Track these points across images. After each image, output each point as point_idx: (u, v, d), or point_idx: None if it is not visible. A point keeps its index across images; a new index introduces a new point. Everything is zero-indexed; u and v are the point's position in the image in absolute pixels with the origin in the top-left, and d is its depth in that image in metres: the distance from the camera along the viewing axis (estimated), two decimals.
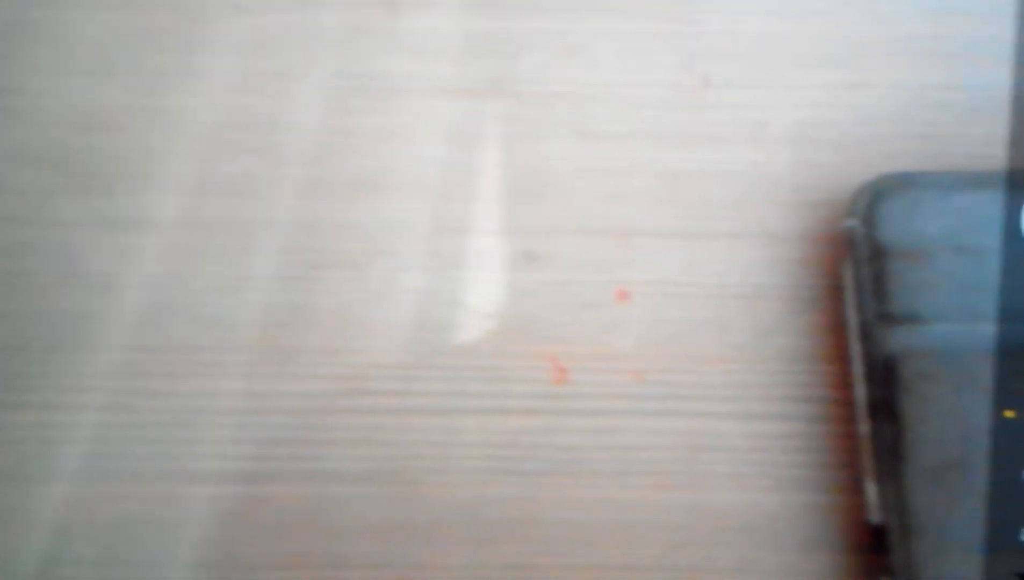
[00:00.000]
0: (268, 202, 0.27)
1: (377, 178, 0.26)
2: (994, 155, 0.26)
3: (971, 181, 0.26)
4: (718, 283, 0.28)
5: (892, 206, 0.26)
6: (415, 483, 0.27)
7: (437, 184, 0.27)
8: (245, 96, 0.27)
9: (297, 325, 0.28)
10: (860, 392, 0.26)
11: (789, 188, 0.27)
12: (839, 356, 0.27)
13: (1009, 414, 0.26)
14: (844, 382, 0.27)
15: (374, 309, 0.27)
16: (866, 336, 0.26)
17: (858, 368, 0.26)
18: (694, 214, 0.27)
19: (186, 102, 0.27)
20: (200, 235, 0.28)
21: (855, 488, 0.27)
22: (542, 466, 0.27)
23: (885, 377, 0.26)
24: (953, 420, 0.26)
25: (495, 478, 0.27)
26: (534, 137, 0.27)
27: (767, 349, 0.28)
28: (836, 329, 0.28)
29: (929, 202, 0.26)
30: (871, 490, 0.26)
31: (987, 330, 0.26)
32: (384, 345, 0.27)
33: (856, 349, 0.26)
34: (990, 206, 0.26)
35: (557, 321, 0.28)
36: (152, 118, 0.27)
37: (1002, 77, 0.26)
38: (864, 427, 0.26)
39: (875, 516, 0.26)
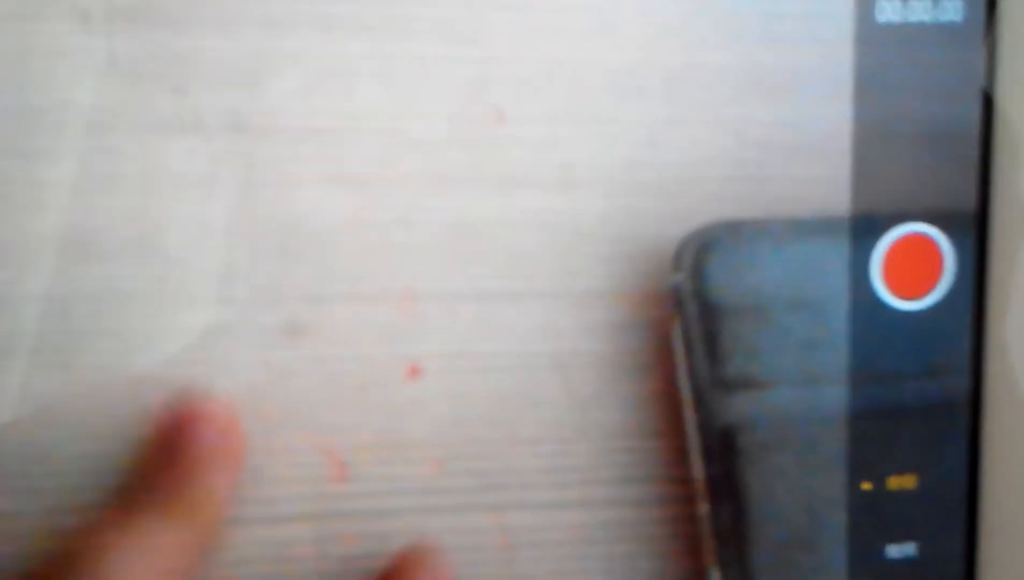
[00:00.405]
0: None
1: (83, 239, 0.20)
2: (826, 198, 0.22)
3: (808, 229, 0.24)
4: (525, 351, 0.24)
5: (721, 258, 0.23)
6: None
7: (166, 244, 0.21)
8: None
9: None
10: (697, 468, 0.24)
11: (602, 239, 0.23)
12: (671, 429, 0.24)
13: (866, 486, 0.25)
14: (678, 458, 0.24)
15: (90, 405, 0.22)
16: (700, 404, 0.24)
17: (693, 441, 0.24)
18: (491, 272, 0.23)
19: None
20: None
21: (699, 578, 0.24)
22: None
23: (723, 449, 0.24)
24: (801, 495, 0.24)
25: None
26: (285, 183, 0.21)
27: (587, 426, 0.24)
28: (667, 398, 0.24)
29: (762, 253, 0.23)
30: (715, 577, 0.24)
31: (835, 393, 0.24)
32: (109, 450, 0.21)
33: (691, 419, 0.24)
34: (832, 256, 0.24)
35: (332, 406, 0.24)
36: None
37: (834, 111, 0.22)
38: (703, 507, 0.24)
39: None
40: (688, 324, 0.23)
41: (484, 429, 0.24)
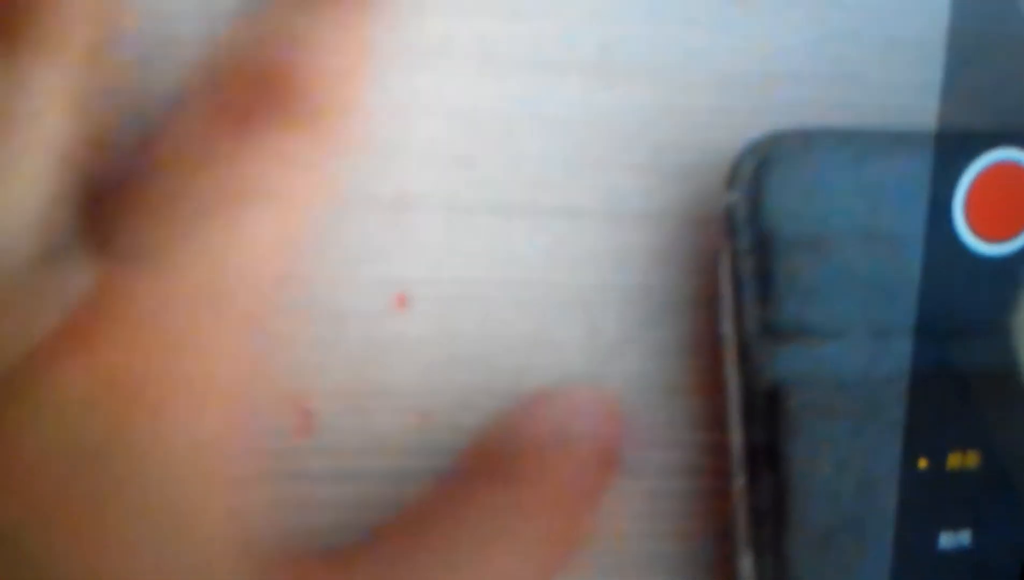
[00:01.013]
0: None
1: None
2: (917, 108, 0.18)
3: (891, 143, 0.20)
4: (537, 281, 0.20)
5: (786, 176, 0.19)
6: None
7: None
8: None
9: None
10: (735, 433, 0.20)
11: (642, 145, 0.19)
12: (706, 386, 0.20)
13: (923, 464, 0.21)
14: (713, 422, 0.20)
15: None
16: (746, 355, 0.20)
17: (734, 399, 0.20)
18: (499, 178, 0.19)
19: None
20: None
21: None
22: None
23: (769, 411, 0.20)
24: (851, 471, 0.21)
25: None
26: None
27: (608, 376, 0.20)
28: (705, 347, 0.20)
29: (835, 173, 0.19)
30: (745, 563, 0.20)
31: (902, 349, 0.20)
32: None
33: (732, 373, 0.20)
34: (914, 181, 0.20)
35: (298, 343, 0.19)
36: None
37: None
38: (739, 479, 0.20)
39: None
40: (739, 256, 0.19)
41: (481, 375, 0.19)
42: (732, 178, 0.19)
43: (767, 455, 0.20)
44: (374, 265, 0.19)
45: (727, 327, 0.20)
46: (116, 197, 0.15)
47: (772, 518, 0.20)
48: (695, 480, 0.21)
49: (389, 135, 0.18)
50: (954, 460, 0.21)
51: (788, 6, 0.19)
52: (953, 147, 0.20)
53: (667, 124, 0.19)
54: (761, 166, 0.19)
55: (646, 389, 0.20)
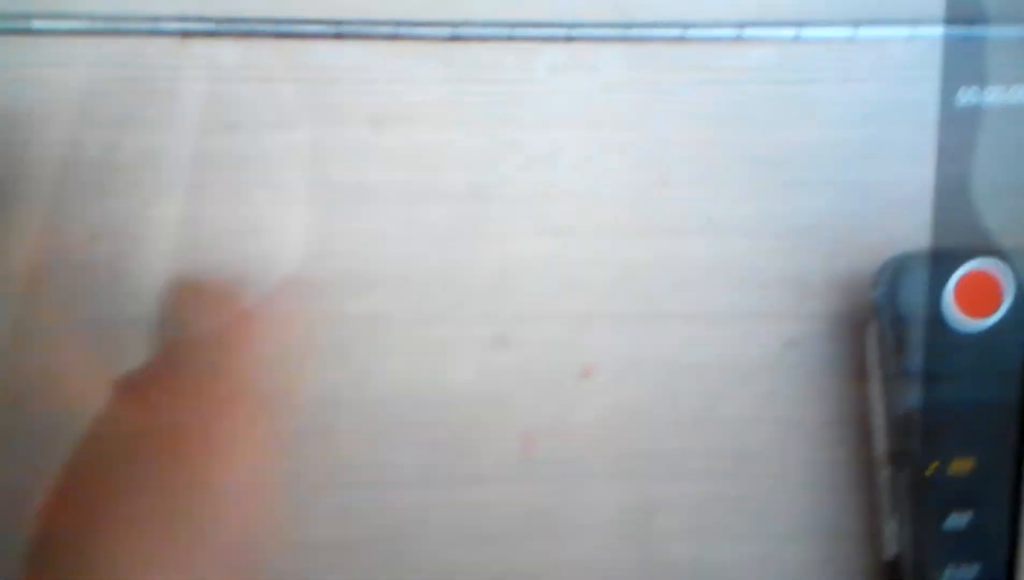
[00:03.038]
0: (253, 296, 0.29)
1: (362, 276, 0.29)
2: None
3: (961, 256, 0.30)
4: (673, 360, 0.31)
5: (910, 279, 0.30)
6: (395, 552, 0.30)
7: (418, 280, 0.29)
8: (238, 205, 0.28)
9: (282, 409, 0.30)
10: (880, 442, 0.30)
11: (739, 272, 0.30)
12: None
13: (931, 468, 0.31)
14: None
15: (357, 392, 0.30)
16: (888, 392, 0.30)
17: (879, 421, 0.31)
18: (648, 296, 0.30)
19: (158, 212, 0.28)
20: None
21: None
22: (514, 530, 0.30)
23: (903, 429, 0.30)
24: (961, 467, 0.31)
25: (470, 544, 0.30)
26: (505, 234, 0.29)
27: (711, 416, 0.31)
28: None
29: (932, 278, 0.30)
30: (890, 526, 0.30)
31: (993, 388, 0.30)
32: (364, 425, 0.30)
33: (877, 404, 0.30)
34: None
35: (526, 398, 0.31)
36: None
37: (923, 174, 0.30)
38: (884, 472, 0.30)
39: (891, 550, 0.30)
40: (882, 329, 0.30)
41: (644, 416, 0.31)
42: (876, 280, 0.30)
43: (903, 456, 0.31)
44: (571, 354, 0.31)
45: (874, 375, 0.30)
46: None
47: (909, 496, 0.31)
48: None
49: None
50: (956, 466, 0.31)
51: (825, 184, 0.31)
52: (946, 256, 0.30)
53: (750, 259, 0.31)
54: (895, 272, 0.30)
55: (740, 423, 0.32)
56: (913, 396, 0.30)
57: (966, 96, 0.29)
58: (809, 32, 0.29)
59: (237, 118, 0.27)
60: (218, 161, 0.28)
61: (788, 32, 0.29)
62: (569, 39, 0.28)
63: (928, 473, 0.30)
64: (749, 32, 0.29)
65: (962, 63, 0.29)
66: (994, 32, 0.29)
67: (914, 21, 0.29)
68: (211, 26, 0.27)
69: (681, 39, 0.29)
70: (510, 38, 0.28)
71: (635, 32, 0.28)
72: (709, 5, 0.29)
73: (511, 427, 0.30)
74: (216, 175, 0.28)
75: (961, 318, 0.30)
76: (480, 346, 0.30)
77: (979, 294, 0.30)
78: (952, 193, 0.30)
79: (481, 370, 0.30)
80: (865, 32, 0.29)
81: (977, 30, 0.29)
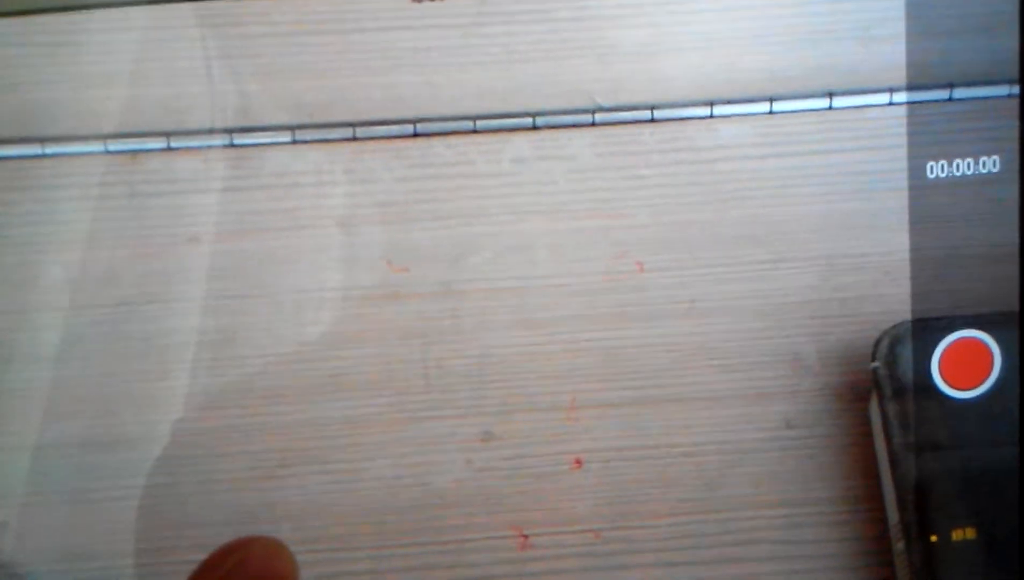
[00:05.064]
0: (235, 408, 0.29)
1: (341, 377, 0.28)
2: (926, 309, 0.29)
3: (958, 323, 0.29)
4: (662, 444, 0.30)
5: (908, 349, 0.29)
6: None
7: (398, 380, 0.29)
8: (211, 313, 0.28)
9: (268, 520, 0.29)
10: (892, 513, 0.30)
11: (727, 353, 0.29)
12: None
13: (934, 538, 0.30)
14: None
15: (343, 497, 0.29)
16: (894, 464, 0.29)
17: (889, 493, 0.30)
18: (635, 383, 0.30)
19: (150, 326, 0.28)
20: (166, 447, 0.29)
21: None
22: None
23: (917, 498, 0.29)
24: (981, 534, 0.29)
25: None
26: (483, 328, 0.29)
27: (711, 501, 0.30)
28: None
29: (928, 344, 0.29)
30: None
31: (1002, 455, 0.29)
32: (355, 531, 0.29)
33: (886, 475, 0.29)
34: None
35: (516, 492, 0.30)
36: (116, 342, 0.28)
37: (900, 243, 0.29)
38: (899, 544, 0.29)
39: None
40: (884, 400, 0.29)
41: (635, 506, 0.30)
42: (875, 352, 0.29)
43: (917, 527, 0.29)
44: (560, 445, 0.31)
45: (880, 445, 0.29)
46: None
47: (926, 569, 0.29)
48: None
49: None
50: (957, 534, 0.30)
51: (804, 260, 0.31)
52: (931, 327, 0.30)
53: (734, 340, 0.30)
54: (893, 344, 0.29)
55: (741, 506, 0.31)
56: (923, 466, 0.29)
57: (935, 169, 0.28)
58: (783, 105, 0.28)
59: (195, 229, 0.27)
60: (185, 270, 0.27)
61: (761, 107, 0.28)
62: (534, 128, 0.28)
63: (940, 541, 0.29)
64: (720, 109, 0.28)
65: (929, 131, 0.28)
66: (959, 94, 0.28)
67: (891, 88, 0.29)
68: (163, 142, 0.27)
69: (651, 121, 0.28)
70: (473, 131, 0.28)
71: (602, 117, 0.28)
72: (677, 85, 0.28)
73: (504, 524, 0.29)
74: (182, 286, 0.28)
75: (954, 386, 0.29)
76: (467, 443, 0.29)
77: (967, 364, 0.29)
78: (931, 263, 0.30)
79: (469, 467, 0.29)
80: (841, 101, 0.29)
81: (940, 93, 0.28)
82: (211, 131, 0.27)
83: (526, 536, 0.30)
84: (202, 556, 0.26)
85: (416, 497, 0.30)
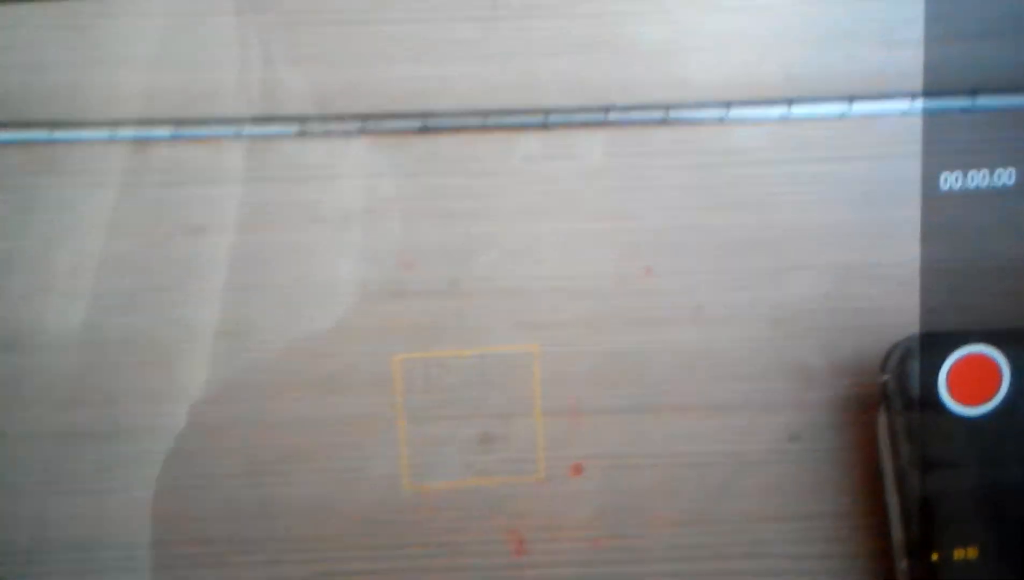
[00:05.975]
0: (236, 403, 0.28)
1: (341, 377, 0.27)
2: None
3: (967, 338, 0.28)
4: (664, 452, 0.30)
5: (918, 362, 0.28)
6: None
7: (399, 379, 0.28)
8: (212, 306, 0.27)
9: (266, 516, 0.29)
10: (897, 530, 0.29)
11: (734, 362, 0.29)
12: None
13: (935, 556, 0.29)
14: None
15: (343, 495, 0.29)
16: (900, 479, 0.29)
17: (894, 508, 0.29)
18: (638, 389, 0.29)
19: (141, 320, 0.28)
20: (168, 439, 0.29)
21: None
22: None
23: (922, 515, 0.28)
24: (988, 553, 0.28)
25: None
26: (486, 329, 0.28)
27: (712, 512, 0.30)
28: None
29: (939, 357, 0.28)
30: None
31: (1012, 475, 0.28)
32: (353, 530, 0.29)
33: (891, 490, 0.29)
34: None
35: (515, 496, 0.30)
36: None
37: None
38: (903, 562, 0.29)
39: None
40: (892, 413, 0.28)
41: (635, 515, 0.30)
42: (884, 365, 0.29)
43: (920, 545, 0.29)
44: (560, 450, 0.30)
45: (885, 460, 0.29)
46: None
47: None
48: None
49: None
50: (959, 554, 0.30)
51: (813, 268, 0.30)
52: (940, 341, 0.29)
53: (739, 348, 0.30)
54: (903, 357, 0.28)
55: (743, 519, 0.31)
56: (928, 484, 0.28)
57: (948, 181, 0.27)
58: (799, 109, 0.28)
59: (202, 221, 0.26)
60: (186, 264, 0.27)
61: (777, 111, 0.28)
62: (545, 126, 0.27)
63: (941, 560, 0.29)
64: (735, 112, 0.27)
65: (945, 140, 0.27)
66: (976, 104, 0.28)
67: (913, 93, 0.28)
68: (170, 130, 0.26)
69: (663, 122, 0.27)
70: (483, 128, 0.27)
71: (614, 116, 0.27)
72: (692, 85, 0.27)
73: (501, 528, 0.29)
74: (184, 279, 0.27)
75: (961, 402, 0.29)
76: (466, 444, 0.28)
77: (976, 379, 0.29)
78: (942, 275, 0.29)
79: (467, 470, 0.28)
80: (859, 107, 0.28)
81: (962, 101, 0.27)
82: (220, 121, 0.26)
83: (522, 541, 0.29)
84: (199, 550, 0.25)
85: (413, 498, 0.29)
